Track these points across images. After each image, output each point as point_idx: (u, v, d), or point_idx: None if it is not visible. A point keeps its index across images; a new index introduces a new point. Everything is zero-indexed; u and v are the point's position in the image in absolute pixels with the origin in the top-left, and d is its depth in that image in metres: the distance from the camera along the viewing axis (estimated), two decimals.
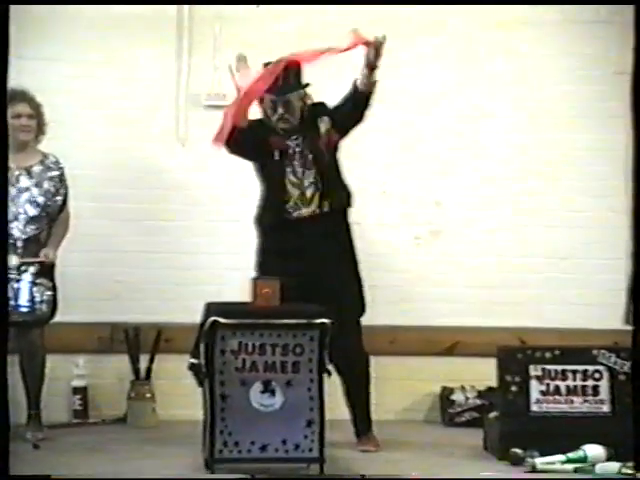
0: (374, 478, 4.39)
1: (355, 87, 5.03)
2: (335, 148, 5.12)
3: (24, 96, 5.30)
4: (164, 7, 5.94)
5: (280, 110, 5.05)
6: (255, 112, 5.12)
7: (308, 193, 5.04)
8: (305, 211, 5.03)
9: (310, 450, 4.41)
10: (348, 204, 5.15)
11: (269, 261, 5.00)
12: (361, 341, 5.05)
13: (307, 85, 5.11)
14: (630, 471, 4.45)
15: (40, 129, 5.36)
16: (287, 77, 5.04)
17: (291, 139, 5.08)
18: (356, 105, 5.06)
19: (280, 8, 5.94)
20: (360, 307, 5.08)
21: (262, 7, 5.93)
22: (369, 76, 4.97)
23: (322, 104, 5.16)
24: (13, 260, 5.11)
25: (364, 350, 5.06)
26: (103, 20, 5.90)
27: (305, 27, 5.99)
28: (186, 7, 5.98)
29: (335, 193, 5.08)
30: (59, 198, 5.35)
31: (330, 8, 5.94)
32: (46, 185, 5.33)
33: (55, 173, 5.36)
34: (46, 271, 5.22)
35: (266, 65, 5.06)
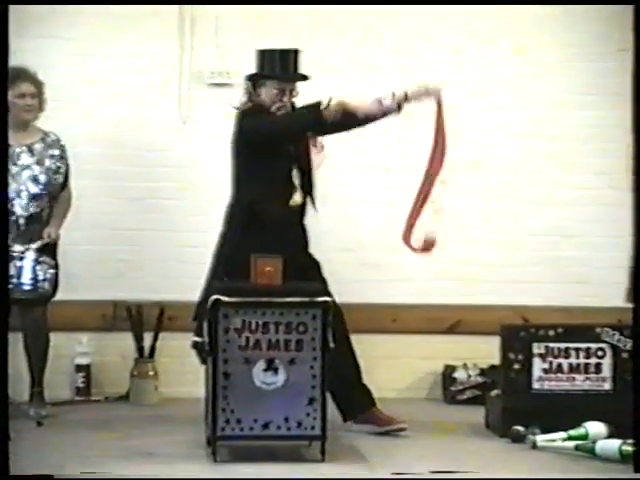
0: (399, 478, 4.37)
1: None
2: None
3: (27, 75, 5.27)
4: None
5: (285, 98, 4.91)
6: None
7: (296, 183, 4.98)
8: (299, 200, 4.97)
9: (312, 428, 4.41)
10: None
11: (274, 250, 4.74)
12: None
13: (307, 77, 4.97)
14: (630, 448, 4.46)
15: (40, 106, 5.35)
16: (295, 64, 4.92)
17: None
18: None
19: None
20: None
21: None
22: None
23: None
24: (17, 247, 5.11)
25: None
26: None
27: (306, 5, 5.97)
28: None
29: (310, 187, 5.00)
30: (60, 176, 5.35)
31: None
32: (47, 163, 5.32)
33: (56, 151, 5.35)
34: (49, 249, 5.22)
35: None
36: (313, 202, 5.00)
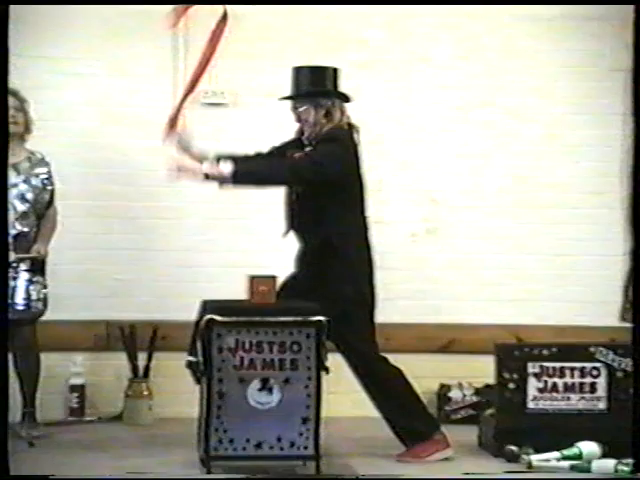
0: (370, 478, 4.37)
1: None
2: None
3: (8, 89, 5.24)
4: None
5: (296, 118, 4.81)
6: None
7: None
8: None
9: (306, 448, 4.40)
10: None
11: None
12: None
13: (323, 93, 4.74)
14: (626, 468, 4.46)
15: (27, 128, 5.32)
16: (311, 82, 4.75)
17: None
18: None
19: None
20: None
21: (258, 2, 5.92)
22: None
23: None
24: (10, 256, 5.09)
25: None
26: (95, 16, 5.86)
27: (302, 22, 5.99)
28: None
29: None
30: (47, 194, 5.34)
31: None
32: (34, 181, 5.31)
33: (43, 169, 5.34)
34: (39, 268, 5.21)
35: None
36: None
